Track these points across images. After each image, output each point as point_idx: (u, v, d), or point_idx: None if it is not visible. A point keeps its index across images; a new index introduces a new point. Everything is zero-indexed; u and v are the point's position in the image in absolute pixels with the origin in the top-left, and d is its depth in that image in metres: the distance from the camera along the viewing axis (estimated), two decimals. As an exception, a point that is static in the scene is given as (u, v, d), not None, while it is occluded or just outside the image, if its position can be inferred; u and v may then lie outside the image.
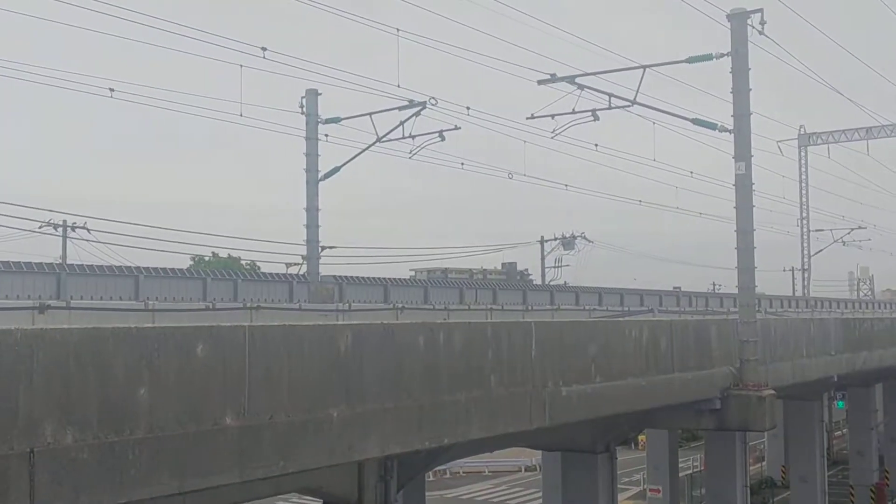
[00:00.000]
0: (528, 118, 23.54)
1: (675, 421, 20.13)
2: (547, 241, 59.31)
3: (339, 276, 28.94)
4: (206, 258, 57.00)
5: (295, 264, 33.28)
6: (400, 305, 26.26)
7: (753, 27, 18.92)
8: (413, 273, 64.52)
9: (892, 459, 38.80)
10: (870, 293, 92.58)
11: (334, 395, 9.97)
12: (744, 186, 18.88)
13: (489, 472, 47.18)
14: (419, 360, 11.18)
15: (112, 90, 22.76)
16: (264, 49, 22.69)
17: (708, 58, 19.74)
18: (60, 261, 33.72)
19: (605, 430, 18.85)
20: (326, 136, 26.70)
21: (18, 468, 7.12)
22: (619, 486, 21.85)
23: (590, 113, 22.53)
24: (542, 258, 59.43)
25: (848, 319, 29.64)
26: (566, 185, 36.24)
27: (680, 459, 31.05)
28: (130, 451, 7.87)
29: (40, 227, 32.55)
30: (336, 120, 26.77)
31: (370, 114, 26.29)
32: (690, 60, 20.35)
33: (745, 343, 18.66)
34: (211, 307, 20.85)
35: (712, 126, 20.79)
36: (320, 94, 26.47)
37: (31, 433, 7.23)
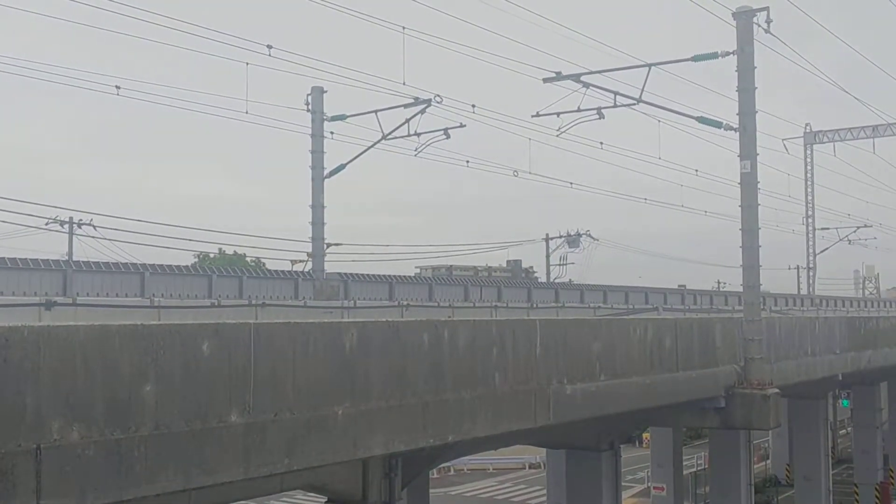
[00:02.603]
0: (533, 116, 23.54)
1: (679, 419, 20.12)
2: (552, 238, 59.27)
3: (344, 274, 28.92)
4: (212, 255, 57.13)
5: (300, 261, 33.28)
6: (405, 303, 26.30)
7: (759, 25, 18.88)
8: (418, 270, 64.62)
9: (896, 458, 38.76)
10: (875, 292, 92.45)
11: (339, 392, 9.99)
12: (749, 185, 18.85)
13: (493, 469, 47.21)
14: (424, 358, 11.19)
15: (118, 87, 22.84)
16: (270, 47, 22.74)
17: (713, 56, 19.71)
18: (67, 257, 33.77)
19: (609, 427, 18.86)
20: (332, 133, 26.76)
21: (25, 464, 7.16)
22: (622, 483, 21.84)
23: (595, 111, 22.49)
24: (547, 256, 59.39)
25: (853, 318, 29.60)
26: (571, 183, 36.03)
27: (684, 457, 30.99)
28: (136, 448, 7.90)
29: (46, 224, 32.71)
30: (342, 117, 26.78)
31: (376, 111, 26.31)
32: (696, 59, 20.33)
33: (750, 341, 18.63)
34: (216, 304, 20.90)
35: (717, 124, 20.76)
36: (326, 91, 26.51)
37: (38, 430, 7.26)
